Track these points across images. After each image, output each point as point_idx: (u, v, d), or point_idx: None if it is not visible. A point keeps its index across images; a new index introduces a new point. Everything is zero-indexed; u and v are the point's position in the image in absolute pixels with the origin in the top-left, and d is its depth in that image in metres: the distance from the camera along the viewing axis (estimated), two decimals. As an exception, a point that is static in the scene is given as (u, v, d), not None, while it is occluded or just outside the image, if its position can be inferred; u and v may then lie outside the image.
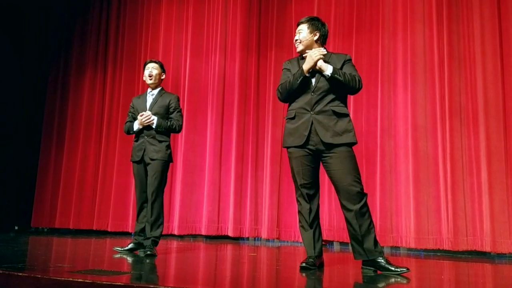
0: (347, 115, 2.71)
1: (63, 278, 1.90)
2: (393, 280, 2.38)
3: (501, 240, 4.04)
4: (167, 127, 3.47)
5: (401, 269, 2.52)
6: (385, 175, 4.61)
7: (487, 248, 4.08)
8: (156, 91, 3.59)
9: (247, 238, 5.30)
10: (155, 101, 3.53)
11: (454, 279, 2.77)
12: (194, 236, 5.51)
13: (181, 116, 3.60)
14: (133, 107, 3.64)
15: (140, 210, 3.54)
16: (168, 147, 3.51)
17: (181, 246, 4.42)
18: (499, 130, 4.22)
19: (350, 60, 2.80)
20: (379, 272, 2.55)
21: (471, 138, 4.33)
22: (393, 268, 2.52)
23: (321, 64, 2.67)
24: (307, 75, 2.69)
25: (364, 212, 2.58)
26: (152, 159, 3.44)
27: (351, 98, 4.83)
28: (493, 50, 4.34)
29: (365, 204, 2.60)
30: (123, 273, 2.43)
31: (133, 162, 3.56)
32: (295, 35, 2.85)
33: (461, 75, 4.47)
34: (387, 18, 4.87)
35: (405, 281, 2.35)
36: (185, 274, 2.59)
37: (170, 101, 3.54)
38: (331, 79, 2.65)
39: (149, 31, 6.19)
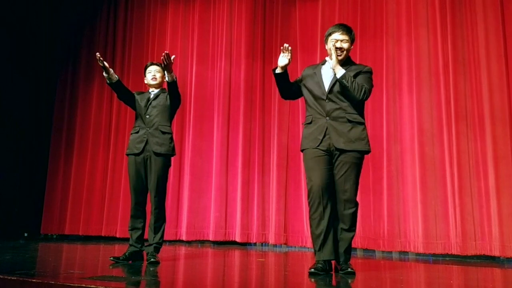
0: (362, 123, 2.77)
1: (76, 284, 1.94)
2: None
3: (510, 244, 4.00)
4: (175, 79, 3.32)
5: (348, 269, 2.68)
6: (392, 180, 4.61)
7: (496, 253, 4.05)
8: (157, 90, 3.51)
9: (255, 244, 5.31)
10: (156, 95, 3.46)
11: (463, 284, 2.76)
12: (202, 241, 5.53)
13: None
14: (135, 98, 3.51)
15: (135, 214, 3.32)
16: (172, 139, 3.39)
17: (189, 252, 4.45)
18: (506, 133, 4.20)
19: (367, 72, 2.83)
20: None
21: (477, 142, 4.31)
22: (344, 267, 2.71)
23: (335, 67, 2.75)
24: (278, 71, 2.84)
25: (351, 219, 2.70)
26: (156, 153, 3.28)
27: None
28: (497, 53, 4.32)
29: (355, 212, 2.71)
30: (132, 279, 2.46)
31: (131, 155, 3.36)
32: (335, 41, 2.80)
33: (466, 79, 4.46)
34: (391, 23, 4.88)
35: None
36: (194, 280, 2.61)
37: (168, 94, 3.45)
38: (339, 82, 2.73)
39: (156, 38, 6.25)
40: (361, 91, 2.72)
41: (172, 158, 3.53)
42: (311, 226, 2.74)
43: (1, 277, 2.20)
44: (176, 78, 3.36)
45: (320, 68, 2.87)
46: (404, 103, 4.68)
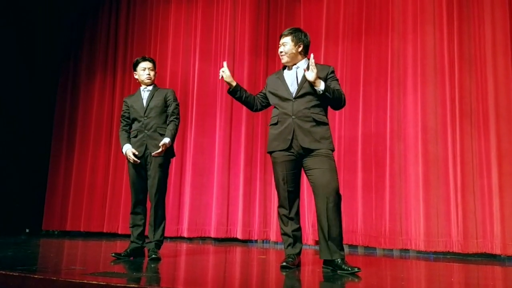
0: (326, 123, 2.86)
1: (77, 281, 1.94)
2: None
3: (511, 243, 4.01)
4: (174, 133, 3.38)
5: (353, 268, 2.63)
6: (394, 178, 4.59)
7: (497, 251, 4.04)
8: (150, 87, 3.49)
9: (256, 241, 5.31)
10: (151, 96, 3.44)
11: (464, 282, 2.76)
12: (203, 238, 5.53)
13: (178, 108, 3.49)
14: (127, 107, 3.49)
15: (135, 211, 3.38)
16: None
17: (191, 249, 4.45)
18: (510, 132, 4.18)
19: (333, 72, 2.94)
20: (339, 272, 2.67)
21: (481, 140, 4.29)
22: (345, 267, 2.65)
23: (316, 81, 2.76)
24: (230, 90, 3.05)
25: (336, 212, 2.70)
26: (154, 155, 3.29)
27: (359, 100, 4.84)
28: (504, 51, 4.29)
29: (339, 204, 2.73)
30: (134, 275, 2.46)
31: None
32: (279, 47, 2.99)
33: (471, 77, 4.43)
34: (396, 19, 4.84)
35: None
36: (195, 276, 2.62)
37: (166, 94, 3.46)
38: (321, 95, 2.79)
39: (158, 35, 6.24)
40: (342, 99, 2.86)
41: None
42: (280, 225, 2.95)
43: (3, 273, 2.21)
44: (173, 133, 3.40)
45: (282, 73, 3.01)
46: (408, 101, 4.65)
